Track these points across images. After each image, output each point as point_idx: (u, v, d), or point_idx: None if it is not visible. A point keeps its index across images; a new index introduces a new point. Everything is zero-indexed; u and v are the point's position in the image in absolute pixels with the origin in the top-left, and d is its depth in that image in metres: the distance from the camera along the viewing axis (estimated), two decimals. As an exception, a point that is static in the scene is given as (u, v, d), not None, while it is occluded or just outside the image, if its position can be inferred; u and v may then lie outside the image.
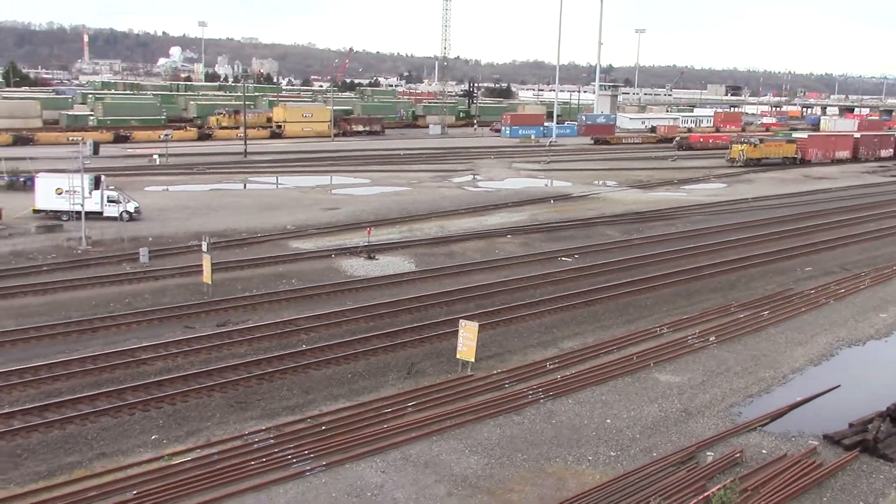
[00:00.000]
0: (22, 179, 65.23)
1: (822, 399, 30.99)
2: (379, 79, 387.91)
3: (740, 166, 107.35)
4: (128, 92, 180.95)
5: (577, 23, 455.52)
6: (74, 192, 49.55)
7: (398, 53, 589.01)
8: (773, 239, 59.40)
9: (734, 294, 44.62)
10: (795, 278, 48.72)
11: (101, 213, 54.61)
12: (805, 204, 77.59)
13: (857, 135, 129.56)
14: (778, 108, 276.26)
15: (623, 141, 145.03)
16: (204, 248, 41.76)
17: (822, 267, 51.84)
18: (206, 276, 40.57)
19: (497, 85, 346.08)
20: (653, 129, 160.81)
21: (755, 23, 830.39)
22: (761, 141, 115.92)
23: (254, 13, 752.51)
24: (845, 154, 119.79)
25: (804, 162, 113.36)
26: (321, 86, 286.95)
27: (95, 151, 55.80)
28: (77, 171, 49.72)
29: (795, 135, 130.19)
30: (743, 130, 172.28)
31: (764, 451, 25.95)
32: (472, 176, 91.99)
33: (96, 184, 51.29)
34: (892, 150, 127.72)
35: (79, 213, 49.86)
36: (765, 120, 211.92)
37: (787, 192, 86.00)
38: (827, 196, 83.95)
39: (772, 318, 39.99)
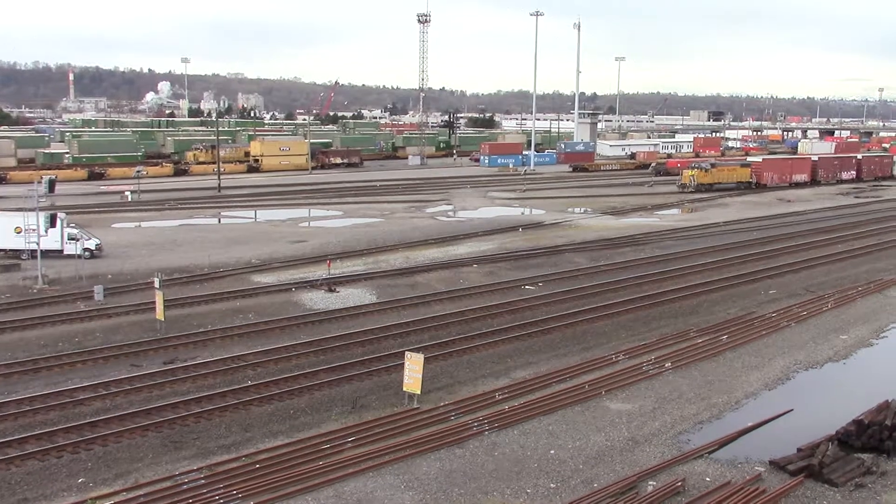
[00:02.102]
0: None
1: (774, 424, 30.56)
2: (363, 111, 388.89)
3: (691, 191, 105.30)
4: (106, 129, 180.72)
5: (561, 53, 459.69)
6: (31, 230, 49.02)
7: (384, 86, 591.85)
8: (740, 262, 59.21)
9: (695, 319, 44.29)
10: (758, 302, 48.45)
11: (61, 251, 54.05)
12: (775, 227, 77.55)
13: (815, 157, 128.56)
14: (759, 133, 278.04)
15: (601, 168, 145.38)
16: (156, 284, 41.32)
17: (787, 289, 51.61)
18: (159, 313, 40.04)
19: (481, 115, 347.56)
20: (632, 156, 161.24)
21: (739, 50, 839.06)
22: (713, 165, 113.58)
23: (240, 49, 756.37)
24: (803, 177, 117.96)
25: (759, 186, 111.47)
26: (305, 119, 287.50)
27: (51, 189, 55.03)
28: (34, 209, 49.22)
29: (750, 159, 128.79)
30: (722, 155, 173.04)
31: (708, 479, 25.47)
32: (445, 206, 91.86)
33: (52, 221, 50.85)
34: (853, 173, 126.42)
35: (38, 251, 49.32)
36: (745, 144, 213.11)
37: (760, 215, 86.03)
38: (798, 219, 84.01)
39: (730, 343, 39.63)
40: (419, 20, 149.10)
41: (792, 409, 31.73)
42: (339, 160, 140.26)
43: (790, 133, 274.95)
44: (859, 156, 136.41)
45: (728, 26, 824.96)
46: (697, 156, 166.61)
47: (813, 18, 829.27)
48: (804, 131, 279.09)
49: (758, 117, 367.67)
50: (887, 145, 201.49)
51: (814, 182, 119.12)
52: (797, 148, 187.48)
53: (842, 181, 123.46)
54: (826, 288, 51.87)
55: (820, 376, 36.12)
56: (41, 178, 53.88)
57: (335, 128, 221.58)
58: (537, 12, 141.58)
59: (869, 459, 26.59)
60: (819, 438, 27.80)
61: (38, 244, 48.48)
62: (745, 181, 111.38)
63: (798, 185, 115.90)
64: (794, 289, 51.87)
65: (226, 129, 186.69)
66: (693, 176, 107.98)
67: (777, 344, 40.00)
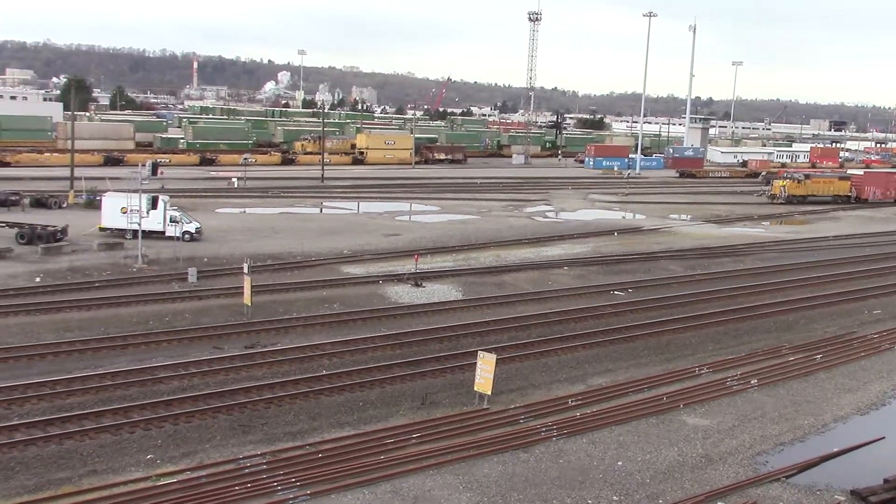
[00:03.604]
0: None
1: (861, 451, 28.90)
2: (473, 108, 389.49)
3: (781, 203, 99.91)
4: (221, 117, 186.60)
5: (676, 55, 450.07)
6: (134, 211, 50.91)
7: (496, 84, 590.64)
8: (845, 279, 56.46)
9: (789, 335, 42.43)
10: (861, 321, 46.07)
11: (162, 232, 55.91)
12: (888, 244, 73.65)
13: None
14: (882, 145, 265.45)
15: (710, 174, 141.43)
16: (245, 269, 42.27)
17: (894, 311, 48.90)
18: (247, 298, 40.88)
19: (591, 116, 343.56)
20: (744, 164, 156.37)
21: (867, 57, 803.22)
22: (807, 177, 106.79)
23: (357, 43, 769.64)
24: None
25: (860, 201, 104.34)
26: (415, 114, 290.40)
27: (154, 172, 57.18)
28: (136, 191, 51.05)
29: (851, 171, 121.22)
30: (841, 167, 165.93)
31: (781, 505, 24.29)
32: (544, 206, 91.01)
33: (154, 203, 52.60)
34: None
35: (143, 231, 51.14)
36: (866, 157, 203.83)
37: (873, 230, 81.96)
38: (916, 236, 79.65)
39: (824, 363, 37.77)
40: (530, 18, 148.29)
41: (883, 437, 29.98)
42: (442, 156, 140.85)
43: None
44: None
45: (856, 30, 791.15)
46: (813, 166, 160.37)
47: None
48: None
49: (883, 129, 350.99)
50: None
51: None
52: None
53: None
54: (937, 311, 48.93)
55: (918, 405, 34.04)
56: (147, 161, 55.65)
57: (443, 124, 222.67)
58: (650, 13, 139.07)
59: (961, 497, 24.83)
60: (908, 470, 26.15)
61: (139, 225, 50.22)
62: (843, 195, 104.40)
63: None
64: (901, 310, 49.16)
65: (336, 121, 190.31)
66: (784, 186, 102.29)
67: (875, 367, 37.91)
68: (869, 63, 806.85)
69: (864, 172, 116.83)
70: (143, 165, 52.77)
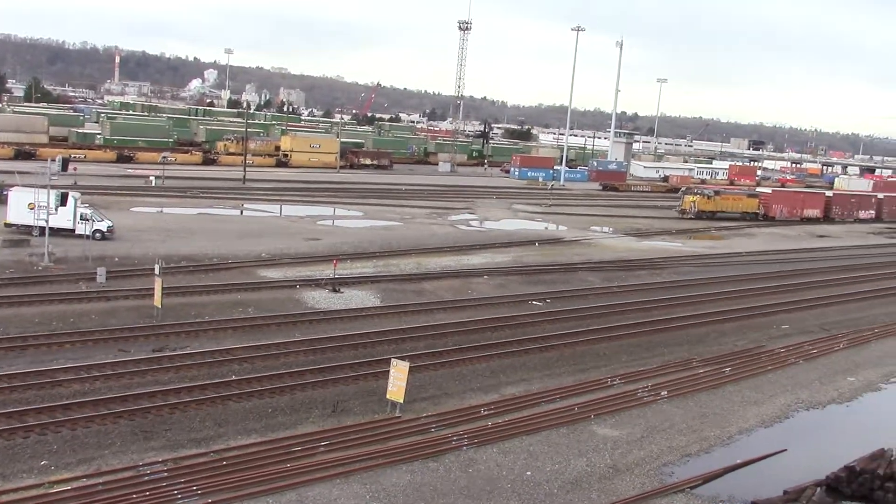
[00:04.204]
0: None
1: (764, 463, 29.55)
2: (402, 114, 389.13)
3: (690, 218, 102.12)
4: (141, 114, 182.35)
5: (604, 70, 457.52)
6: (42, 207, 49.16)
7: (425, 91, 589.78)
8: (756, 294, 57.92)
9: (700, 348, 43.24)
10: (769, 336, 47.24)
11: (72, 230, 54.14)
12: (799, 261, 75.93)
13: (830, 193, 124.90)
14: (798, 165, 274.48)
15: (632, 188, 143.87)
16: (156, 271, 41.14)
17: (801, 326, 50.32)
18: (157, 300, 39.79)
19: (519, 127, 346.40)
20: (665, 179, 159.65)
21: (786, 80, 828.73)
22: (717, 193, 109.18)
23: (286, 45, 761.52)
24: (815, 213, 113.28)
25: (767, 218, 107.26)
26: (342, 118, 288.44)
27: (64, 168, 55.26)
28: (45, 186, 49.33)
29: (760, 189, 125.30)
30: (758, 185, 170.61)
31: (684, 516, 24.58)
32: (468, 214, 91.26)
33: (63, 200, 50.93)
34: (872, 212, 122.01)
35: (49, 228, 49.35)
36: (782, 176, 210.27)
37: (786, 248, 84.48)
38: (825, 254, 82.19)
39: (733, 376, 38.57)
40: (460, 27, 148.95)
41: (785, 450, 30.72)
42: (368, 161, 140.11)
43: (829, 168, 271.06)
44: (880, 195, 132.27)
45: (776, 55, 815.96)
46: (732, 183, 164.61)
47: (861, 53, 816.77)
48: (844, 167, 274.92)
49: (799, 150, 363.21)
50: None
51: (827, 219, 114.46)
52: (834, 183, 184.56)
53: (859, 220, 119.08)
54: (842, 327, 50.47)
55: (820, 418, 34.99)
56: (58, 156, 53.86)
57: (370, 129, 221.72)
58: (578, 27, 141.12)
59: (856, 509, 25.55)
60: (807, 482, 26.78)
61: (46, 221, 48.51)
62: (751, 212, 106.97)
63: (809, 220, 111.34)
64: (808, 325, 50.56)
65: (261, 122, 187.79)
66: (694, 202, 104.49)
67: (781, 381, 38.86)
68: (787, 86, 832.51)
69: (773, 191, 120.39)
70: (53, 160, 50.95)
